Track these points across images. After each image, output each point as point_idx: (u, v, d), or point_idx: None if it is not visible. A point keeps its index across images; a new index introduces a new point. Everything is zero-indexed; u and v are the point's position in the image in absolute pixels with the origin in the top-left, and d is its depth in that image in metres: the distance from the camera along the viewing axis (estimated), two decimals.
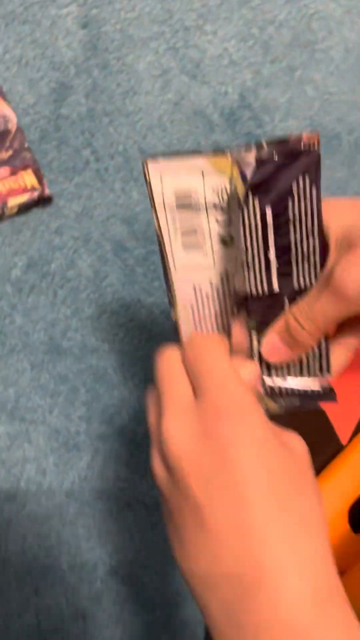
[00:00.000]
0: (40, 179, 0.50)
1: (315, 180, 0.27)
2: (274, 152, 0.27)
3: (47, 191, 0.50)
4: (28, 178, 0.49)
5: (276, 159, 0.27)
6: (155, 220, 0.30)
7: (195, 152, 0.31)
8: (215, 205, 0.30)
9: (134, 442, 0.50)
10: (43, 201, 0.51)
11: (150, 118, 0.55)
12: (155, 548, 0.50)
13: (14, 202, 0.49)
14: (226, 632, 0.25)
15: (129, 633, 0.48)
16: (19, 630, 0.46)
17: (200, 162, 0.29)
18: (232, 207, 0.30)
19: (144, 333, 0.52)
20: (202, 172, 0.29)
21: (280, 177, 0.28)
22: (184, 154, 0.29)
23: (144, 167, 0.29)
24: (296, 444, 0.29)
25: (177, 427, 0.28)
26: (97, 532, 0.48)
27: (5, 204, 0.48)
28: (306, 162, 0.27)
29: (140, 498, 0.50)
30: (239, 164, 0.28)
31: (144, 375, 0.51)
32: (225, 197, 0.30)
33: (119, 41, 0.56)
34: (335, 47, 0.64)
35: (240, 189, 0.28)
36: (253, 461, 0.26)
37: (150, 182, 0.30)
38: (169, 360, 0.31)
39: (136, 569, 0.49)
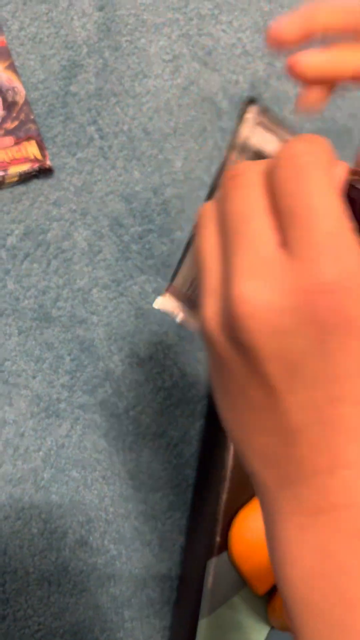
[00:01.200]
0: (42, 150, 0.51)
1: None
2: None
3: (48, 162, 0.51)
4: (31, 148, 0.51)
5: None
6: (225, 157, 0.29)
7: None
8: None
9: (114, 415, 0.51)
10: (44, 172, 0.52)
11: (157, 101, 0.56)
12: (126, 521, 0.50)
13: (14, 170, 0.50)
14: (275, 493, 0.23)
15: (93, 603, 0.48)
16: None
17: None
18: None
19: (133, 309, 0.52)
20: None
21: None
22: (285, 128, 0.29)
23: (246, 105, 0.28)
24: None
25: (258, 292, 0.21)
26: (69, 501, 0.49)
27: (6, 171, 0.50)
28: None
29: (116, 471, 0.50)
30: None
31: (130, 351, 0.52)
32: None
33: (132, 25, 0.57)
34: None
35: None
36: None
37: (243, 121, 0.28)
38: (246, 185, 0.23)
39: (106, 541, 0.49)
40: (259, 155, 0.29)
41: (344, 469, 0.21)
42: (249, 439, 0.23)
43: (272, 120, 0.29)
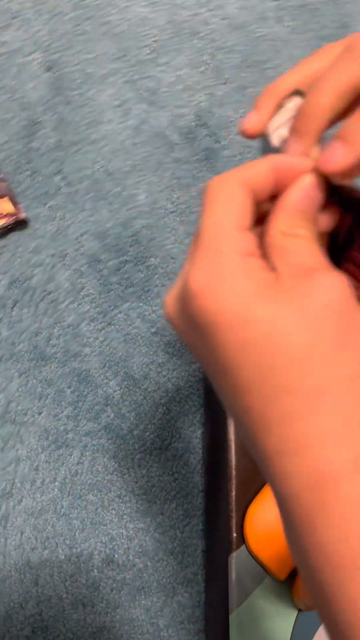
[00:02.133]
0: (16, 205, 0.55)
1: None
2: None
3: (22, 215, 0.55)
4: (5, 205, 0.55)
5: None
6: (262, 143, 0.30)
7: None
8: None
9: (120, 437, 0.54)
10: (20, 224, 0.56)
11: (114, 143, 0.61)
12: (147, 534, 0.52)
13: None
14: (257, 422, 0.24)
15: (127, 618, 0.50)
16: (22, 620, 0.49)
17: None
18: None
19: (121, 336, 0.56)
20: None
21: None
22: None
23: (291, 95, 0.28)
24: (319, 290, 0.23)
25: (167, 300, 0.26)
26: (90, 523, 0.52)
27: None
28: None
29: (130, 489, 0.53)
30: None
31: (124, 375, 0.55)
32: None
33: (80, 79, 0.62)
34: (284, 64, 0.69)
35: None
36: (238, 344, 0.24)
37: (282, 107, 0.29)
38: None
39: (131, 556, 0.52)
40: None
41: (292, 421, 0.23)
42: (228, 402, 0.26)
43: None
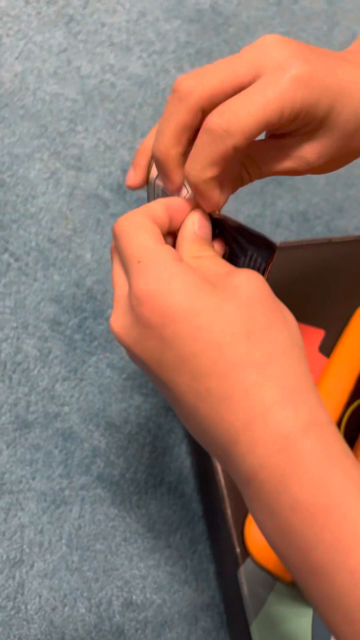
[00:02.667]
0: None
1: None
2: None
3: None
4: None
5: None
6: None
7: None
8: None
9: (114, 483, 0.56)
10: None
11: (51, 213, 0.65)
12: (159, 570, 0.54)
13: None
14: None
15: None
16: None
17: None
18: None
19: (95, 388, 0.59)
20: None
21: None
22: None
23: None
24: (241, 283, 0.28)
25: (114, 321, 0.29)
26: (102, 572, 0.54)
27: None
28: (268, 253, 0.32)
29: (133, 530, 0.55)
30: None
31: (106, 424, 0.58)
32: None
33: (8, 162, 0.66)
34: None
35: None
36: (192, 331, 0.27)
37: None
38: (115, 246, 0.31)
39: (148, 594, 0.54)
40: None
41: (251, 425, 0.26)
42: (187, 423, 0.29)
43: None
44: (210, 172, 0.30)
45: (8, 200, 0.65)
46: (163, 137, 0.31)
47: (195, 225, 0.31)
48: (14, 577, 0.52)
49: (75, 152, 0.68)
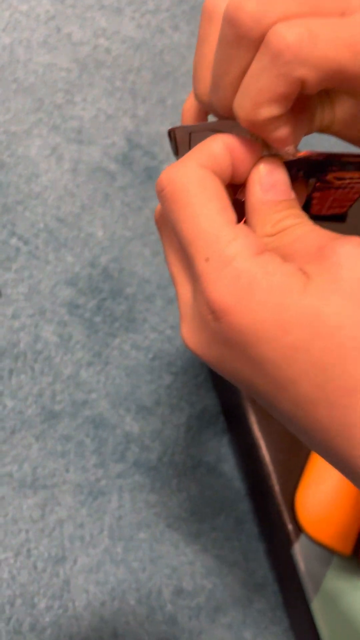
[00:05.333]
0: None
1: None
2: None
3: None
4: None
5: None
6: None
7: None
8: None
9: (151, 468, 0.54)
10: None
11: (57, 191, 0.61)
12: (206, 554, 0.52)
13: None
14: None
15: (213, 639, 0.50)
16: None
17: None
18: None
19: (122, 371, 0.56)
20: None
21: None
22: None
23: (170, 134, 0.27)
24: (345, 262, 0.21)
25: (185, 334, 0.23)
26: (149, 560, 0.51)
27: None
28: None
29: (176, 514, 0.53)
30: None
31: (137, 407, 0.55)
32: None
33: (6, 141, 0.62)
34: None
35: None
36: (284, 350, 0.21)
37: (179, 147, 0.27)
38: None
39: (198, 580, 0.52)
40: None
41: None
42: (287, 416, 0.23)
43: (201, 126, 0.26)
44: (268, 112, 0.22)
45: (10, 182, 0.61)
46: (225, 93, 0.23)
47: (266, 185, 0.23)
48: (58, 575, 0.50)
49: (75, 124, 0.64)
